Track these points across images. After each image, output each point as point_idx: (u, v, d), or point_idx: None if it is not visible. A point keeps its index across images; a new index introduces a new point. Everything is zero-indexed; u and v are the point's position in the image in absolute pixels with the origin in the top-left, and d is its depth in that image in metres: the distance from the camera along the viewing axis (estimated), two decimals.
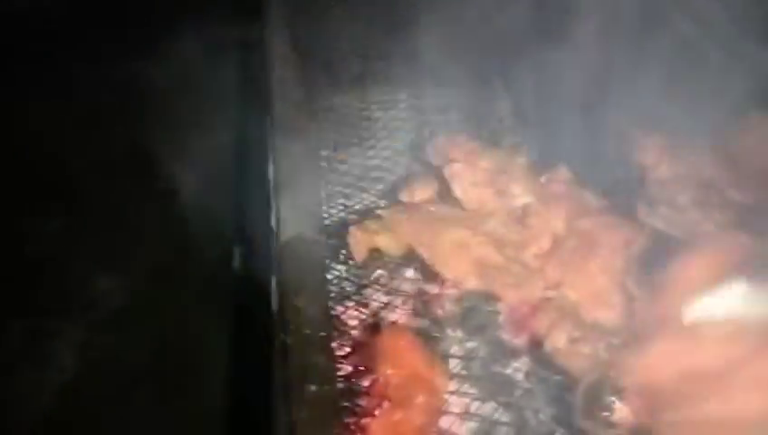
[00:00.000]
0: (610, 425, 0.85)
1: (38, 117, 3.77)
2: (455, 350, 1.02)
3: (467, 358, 1.02)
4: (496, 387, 0.99)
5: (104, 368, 2.82)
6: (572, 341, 0.93)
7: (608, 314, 0.95)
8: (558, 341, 0.93)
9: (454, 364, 1.01)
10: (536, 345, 0.98)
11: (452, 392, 0.95)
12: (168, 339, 2.90)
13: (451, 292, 1.08)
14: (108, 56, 4.05)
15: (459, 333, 1.06)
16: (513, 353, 1.03)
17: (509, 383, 1.00)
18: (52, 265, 3.21)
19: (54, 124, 3.76)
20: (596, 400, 0.85)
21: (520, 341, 1.03)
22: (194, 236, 3.28)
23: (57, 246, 3.28)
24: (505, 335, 1.04)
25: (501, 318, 1.06)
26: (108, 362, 2.84)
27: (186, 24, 4.16)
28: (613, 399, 0.85)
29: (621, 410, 0.84)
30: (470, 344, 1.04)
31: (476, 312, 1.07)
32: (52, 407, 2.70)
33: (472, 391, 0.97)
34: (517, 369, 1.00)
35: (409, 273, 1.09)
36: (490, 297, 1.07)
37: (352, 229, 1.04)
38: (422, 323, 1.07)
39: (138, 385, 2.73)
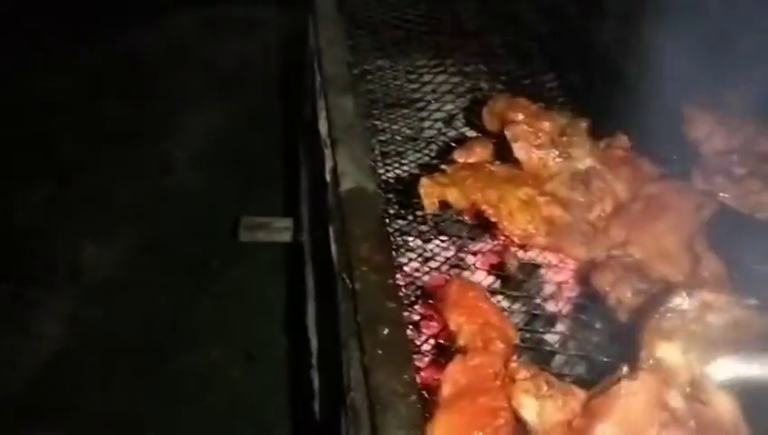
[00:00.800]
0: None
1: (32, 89, 3.70)
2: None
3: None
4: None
5: (87, 338, 2.78)
6: (636, 293, 0.92)
7: (674, 271, 0.95)
8: (623, 293, 0.93)
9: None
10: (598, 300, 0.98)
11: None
12: (153, 311, 2.86)
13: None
14: (105, 30, 3.99)
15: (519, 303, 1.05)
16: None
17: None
18: (38, 235, 3.15)
19: (46, 96, 3.69)
20: None
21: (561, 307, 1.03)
22: (185, 211, 3.24)
23: (44, 217, 3.22)
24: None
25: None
26: (91, 332, 2.80)
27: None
28: None
29: None
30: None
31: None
32: (33, 374, 2.64)
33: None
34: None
35: (470, 229, 1.08)
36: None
37: (423, 180, 1.03)
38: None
39: (121, 355, 2.69)
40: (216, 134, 3.65)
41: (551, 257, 1.07)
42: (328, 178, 1.12)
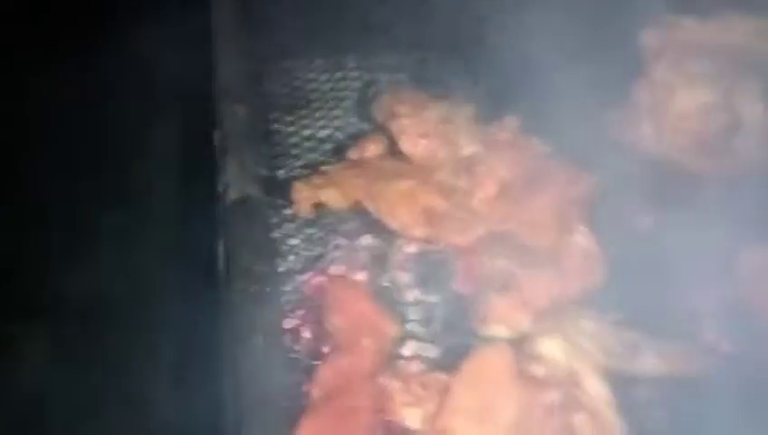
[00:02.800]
0: None
1: None
2: (411, 308, 1.02)
3: (425, 318, 1.02)
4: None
5: (71, 371, 2.79)
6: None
7: (543, 241, 0.96)
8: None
9: (411, 326, 1.00)
10: None
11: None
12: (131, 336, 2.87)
13: (406, 249, 1.07)
14: (64, 54, 3.99)
15: (416, 292, 1.05)
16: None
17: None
18: (7, 268, 3.16)
19: (11, 123, 3.70)
20: None
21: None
22: (159, 234, 3.25)
23: (15, 248, 3.24)
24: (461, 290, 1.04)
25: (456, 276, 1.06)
26: (74, 363, 2.81)
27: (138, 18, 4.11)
28: None
29: None
30: (426, 305, 1.04)
31: (432, 272, 1.07)
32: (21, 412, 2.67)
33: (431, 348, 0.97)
34: None
35: (357, 227, 1.09)
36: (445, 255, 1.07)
37: (296, 184, 1.03)
38: (374, 280, 1.07)
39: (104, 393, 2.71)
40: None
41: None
42: (219, 189, 1.12)
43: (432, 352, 0.94)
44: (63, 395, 2.71)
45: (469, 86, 1.32)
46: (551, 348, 0.85)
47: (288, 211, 1.13)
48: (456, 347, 0.94)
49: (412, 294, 1.05)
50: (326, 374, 0.86)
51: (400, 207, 1.03)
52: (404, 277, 1.06)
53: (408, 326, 0.99)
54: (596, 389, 0.83)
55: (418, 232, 1.02)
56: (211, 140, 1.22)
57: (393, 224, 1.03)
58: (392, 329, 0.93)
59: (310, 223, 1.11)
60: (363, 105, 1.28)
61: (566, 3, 1.23)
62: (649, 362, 0.88)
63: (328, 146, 1.24)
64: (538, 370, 0.82)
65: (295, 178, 1.13)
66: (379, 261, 1.07)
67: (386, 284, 1.06)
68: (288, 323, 0.97)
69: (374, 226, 1.08)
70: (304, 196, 1.03)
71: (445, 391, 0.79)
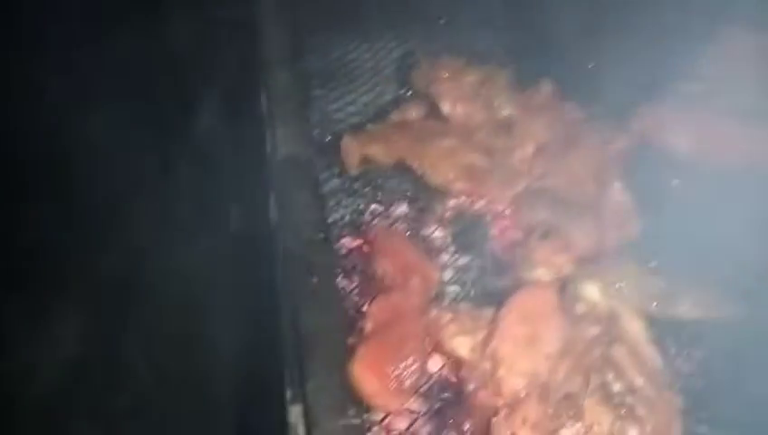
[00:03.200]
0: None
1: (32, 103, 3.78)
2: (449, 262, 1.06)
3: (462, 271, 1.06)
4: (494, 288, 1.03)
5: (103, 352, 2.85)
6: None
7: (581, 196, 1.01)
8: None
9: (449, 277, 1.05)
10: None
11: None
12: (166, 321, 2.93)
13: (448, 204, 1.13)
14: (105, 38, 4.05)
15: (453, 249, 1.10)
16: (503, 269, 1.07)
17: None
18: (48, 249, 3.23)
19: (46, 110, 3.77)
20: None
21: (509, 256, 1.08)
22: (189, 220, 3.31)
23: (53, 232, 3.30)
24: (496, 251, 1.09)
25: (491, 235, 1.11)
26: (106, 346, 2.87)
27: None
28: None
29: None
30: (463, 260, 1.09)
31: (469, 230, 1.12)
32: (49, 390, 2.73)
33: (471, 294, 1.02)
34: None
35: (401, 183, 1.14)
36: (481, 218, 1.12)
37: (345, 137, 1.09)
38: (417, 232, 1.12)
39: (134, 370, 2.77)
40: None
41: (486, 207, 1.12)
42: (268, 148, 1.18)
43: (468, 301, 0.99)
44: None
45: (501, 55, 1.37)
46: (591, 291, 0.90)
47: (334, 169, 1.18)
48: (494, 292, 0.99)
49: (449, 251, 1.09)
50: (378, 309, 0.91)
51: (443, 163, 1.08)
52: (442, 234, 1.11)
53: (447, 276, 1.03)
54: (634, 328, 0.87)
55: (460, 186, 1.07)
56: (259, 105, 1.27)
57: (436, 179, 1.08)
58: (436, 274, 0.98)
59: (355, 179, 1.16)
60: (402, 73, 1.33)
61: None
62: (685, 307, 0.92)
63: (370, 110, 1.29)
64: (580, 308, 0.87)
65: (340, 138, 1.17)
66: (419, 217, 1.12)
67: (425, 239, 1.10)
68: (340, 267, 1.01)
69: (417, 182, 1.13)
70: (353, 149, 1.08)
71: (492, 322, 0.84)
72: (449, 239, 1.11)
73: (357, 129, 1.22)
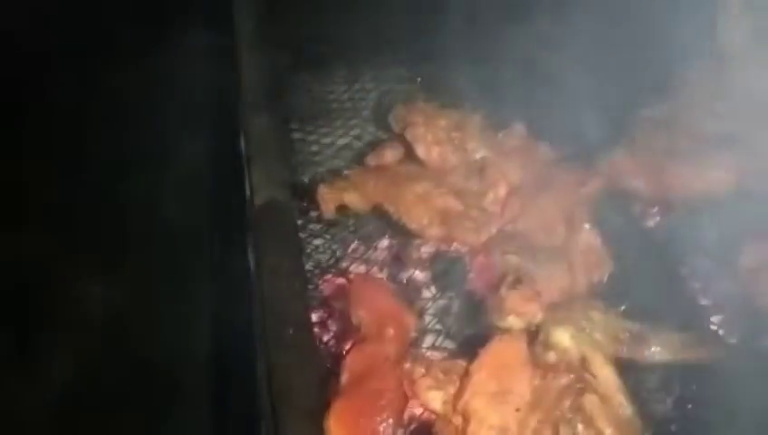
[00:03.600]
0: None
1: (19, 134, 3.80)
2: (428, 305, 1.08)
3: (441, 313, 1.08)
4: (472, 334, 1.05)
5: (94, 379, 2.86)
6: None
7: (551, 239, 1.03)
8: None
9: (428, 320, 1.07)
10: None
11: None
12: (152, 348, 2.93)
13: (423, 250, 1.14)
14: (89, 67, 4.08)
15: (432, 290, 1.12)
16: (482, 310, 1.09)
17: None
18: (36, 278, 3.23)
19: (34, 138, 3.79)
20: None
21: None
22: (177, 240, 3.32)
23: (41, 259, 3.31)
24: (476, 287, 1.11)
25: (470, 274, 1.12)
26: (96, 372, 2.88)
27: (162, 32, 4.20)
28: None
29: None
30: (442, 301, 1.10)
31: (448, 270, 1.14)
32: (43, 420, 2.73)
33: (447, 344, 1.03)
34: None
35: (377, 229, 1.16)
36: (459, 258, 1.14)
37: (321, 187, 1.10)
38: (394, 278, 1.13)
39: (127, 399, 2.77)
40: (199, 164, 3.71)
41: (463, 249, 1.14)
42: (247, 193, 1.19)
43: (449, 343, 1.01)
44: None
45: (477, 96, 1.38)
46: (562, 337, 0.91)
47: (312, 214, 1.19)
48: (471, 339, 1.01)
49: (429, 291, 1.11)
50: (353, 361, 0.92)
51: (417, 208, 1.10)
52: (421, 276, 1.13)
53: (427, 320, 1.05)
54: (605, 374, 0.89)
55: (435, 232, 1.09)
56: (238, 148, 1.29)
57: (411, 224, 1.10)
58: (412, 321, 1.00)
59: (333, 224, 1.17)
60: (379, 115, 1.35)
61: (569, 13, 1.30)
62: (655, 351, 0.94)
63: (347, 153, 1.32)
64: (551, 356, 0.88)
65: (318, 182, 1.19)
66: (397, 260, 1.14)
67: (404, 281, 1.12)
68: (316, 317, 1.02)
69: (393, 227, 1.15)
70: (328, 198, 1.10)
71: (465, 375, 0.85)
72: (429, 280, 1.13)
73: (334, 172, 1.24)
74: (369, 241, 1.16)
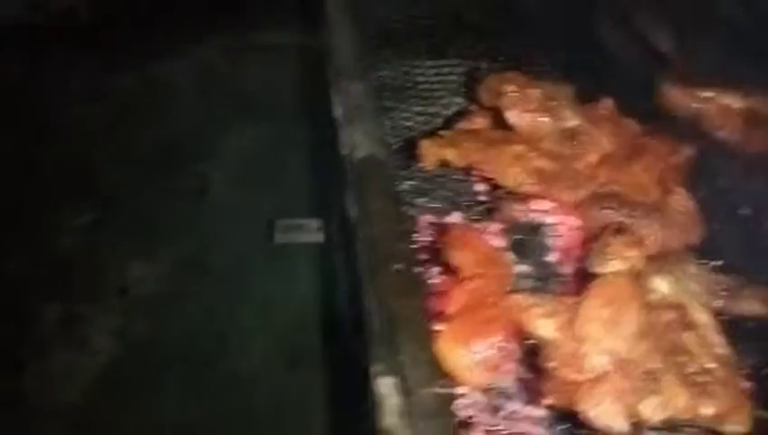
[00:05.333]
0: None
1: (70, 116, 3.92)
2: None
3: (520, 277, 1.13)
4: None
5: (136, 350, 2.94)
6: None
7: (645, 200, 1.08)
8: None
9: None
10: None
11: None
12: (197, 322, 3.02)
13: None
14: (136, 58, 4.21)
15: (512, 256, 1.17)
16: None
17: None
18: (84, 255, 3.33)
19: (85, 123, 3.91)
20: None
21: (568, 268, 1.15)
22: (223, 227, 3.41)
23: (89, 239, 3.41)
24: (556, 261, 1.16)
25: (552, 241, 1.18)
26: (140, 344, 2.96)
27: (212, 28, 4.34)
28: None
29: None
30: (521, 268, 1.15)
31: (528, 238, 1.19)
32: (87, 386, 2.81)
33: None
34: None
35: (471, 184, 1.21)
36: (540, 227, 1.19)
37: (423, 141, 1.16)
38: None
39: (168, 365, 2.84)
40: (248, 154, 3.82)
41: (547, 218, 1.20)
42: (343, 152, 1.26)
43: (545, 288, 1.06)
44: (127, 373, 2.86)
45: (558, 73, 1.45)
46: (661, 284, 0.96)
47: (406, 172, 1.25)
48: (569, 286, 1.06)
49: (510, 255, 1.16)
50: (460, 294, 0.97)
51: (513, 167, 1.15)
52: (503, 239, 1.18)
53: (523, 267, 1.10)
54: (703, 318, 0.93)
55: (530, 188, 1.14)
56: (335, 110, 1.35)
57: (507, 182, 1.15)
58: (510, 264, 1.05)
59: (427, 181, 1.23)
60: (465, 88, 1.42)
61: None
62: (749, 304, 0.98)
63: (437, 120, 1.37)
64: (653, 296, 0.93)
65: (413, 143, 1.25)
66: (490, 214, 1.19)
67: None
68: (418, 257, 1.08)
69: (483, 185, 1.21)
70: (430, 152, 1.15)
71: (577, 304, 0.90)
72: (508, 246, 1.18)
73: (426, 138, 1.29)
74: (459, 199, 1.21)
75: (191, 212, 3.56)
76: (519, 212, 1.17)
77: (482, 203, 1.20)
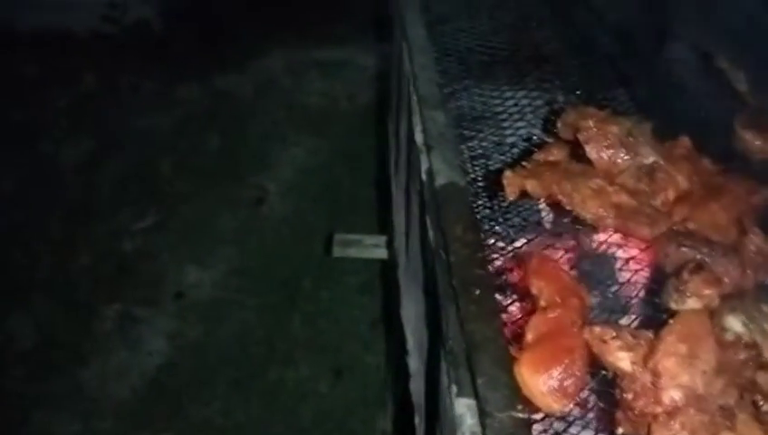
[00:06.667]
0: None
1: (138, 123, 4.06)
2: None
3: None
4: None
5: (189, 353, 3.03)
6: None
7: (722, 239, 1.11)
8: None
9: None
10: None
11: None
12: (249, 329, 3.10)
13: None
14: (200, 73, 4.34)
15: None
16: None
17: None
18: (144, 259, 3.44)
19: (152, 131, 4.04)
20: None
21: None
22: (279, 237, 3.50)
23: (149, 243, 3.53)
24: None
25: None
26: (193, 347, 3.04)
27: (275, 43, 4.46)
28: None
29: None
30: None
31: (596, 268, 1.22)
32: (141, 385, 2.90)
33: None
34: None
35: (548, 217, 1.25)
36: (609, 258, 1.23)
37: (506, 171, 1.21)
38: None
39: (219, 369, 2.92)
40: (304, 167, 3.91)
41: (621, 252, 1.23)
42: (423, 177, 1.31)
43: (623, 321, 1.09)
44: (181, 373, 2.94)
45: (634, 111, 1.48)
46: (735, 323, 0.99)
47: (484, 200, 1.30)
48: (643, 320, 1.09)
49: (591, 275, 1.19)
50: (540, 322, 1.01)
51: (593, 200, 1.19)
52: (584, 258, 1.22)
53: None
54: None
55: (609, 222, 1.17)
56: (413, 142, 1.41)
57: (586, 215, 1.18)
58: (588, 296, 1.08)
59: (505, 211, 1.27)
60: (546, 120, 1.46)
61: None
62: None
63: (514, 151, 1.41)
64: (729, 335, 0.96)
65: (493, 172, 1.30)
66: (564, 244, 1.23)
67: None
68: (499, 282, 1.12)
69: (565, 215, 1.24)
70: (512, 182, 1.20)
71: (656, 339, 0.93)
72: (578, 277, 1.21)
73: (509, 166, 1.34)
74: (538, 229, 1.25)
75: (248, 221, 3.67)
76: (592, 244, 1.20)
77: (557, 234, 1.23)
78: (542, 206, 1.27)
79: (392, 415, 2.59)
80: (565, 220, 1.23)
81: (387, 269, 2.58)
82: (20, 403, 2.81)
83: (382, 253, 2.38)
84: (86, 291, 3.23)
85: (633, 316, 1.10)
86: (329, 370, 3.01)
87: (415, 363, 1.50)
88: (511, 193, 1.20)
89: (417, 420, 1.41)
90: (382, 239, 2.38)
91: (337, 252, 2.40)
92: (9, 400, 2.82)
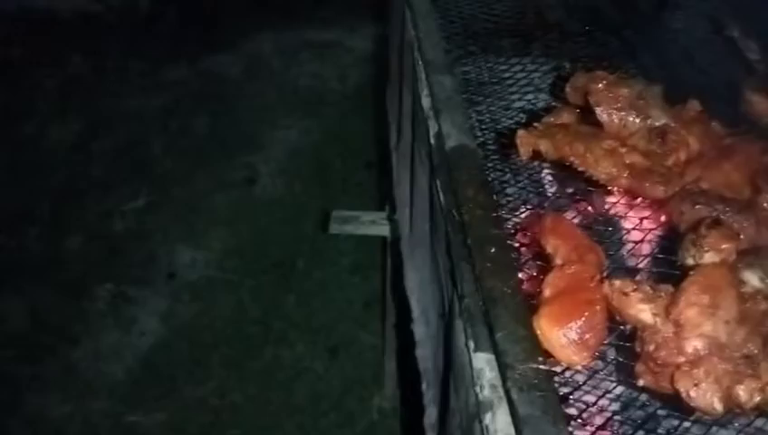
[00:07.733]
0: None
1: (127, 104, 4.01)
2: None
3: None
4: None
5: (182, 332, 3.01)
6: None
7: (736, 199, 1.11)
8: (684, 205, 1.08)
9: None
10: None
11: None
12: (243, 308, 3.08)
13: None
14: (191, 51, 4.30)
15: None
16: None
17: None
18: (136, 239, 3.41)
19: (141, 111, 4.00)
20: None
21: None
22: (271, 217, 3.48)
23: (141, 223, 3.50)
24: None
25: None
26: (186, 327, 3.03)
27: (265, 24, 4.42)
28: None
29: None
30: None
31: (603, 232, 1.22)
32: (134, 365, 2.88)
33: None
34: None
35: (562, 176, 1.25)
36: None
37: (520, 131, 1.20)
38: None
39: (213, 348, 2.91)
40: (295, 147, 3.89)
41: (633, 212, 1.23)
42: (432, 141, 1.30)
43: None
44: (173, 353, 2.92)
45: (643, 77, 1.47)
46: (752, 278, 0.99)
47: (496, 162, 1.29)
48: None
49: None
50: (557, 278, 1.01)
51: (605, 160, 1.18)
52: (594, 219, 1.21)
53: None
54: None
55: (622, 182, 1.17)
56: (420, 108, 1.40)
57: (599, 175, 1.18)
58: (602, 254, 1.08)
59: (516, 172, 1.27)
60: (554, 84, 1.45)
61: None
62: None
63: (523, 115, 1.41)
64: (747, 288, 0.96)
65: (505, 135, 1.29)
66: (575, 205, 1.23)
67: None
68: (513, 242, 1.12)
69: (572, 178, 1.24)
70: (526, 142, 1.19)
71: (678, 290, 0.93)
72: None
73: (511, 131, 1.33)
74: (550, 186, 1.25)
75: (240, 202, 3.65)
76: (604, 205, 1.20)
77: (570, 195, 1.23)
78: (555, 167, 1.26)
79: (393, 386, 2.58)
80: (574, 184, 1.22)
81: (384, 246, 2.57)
82: (13, 385, 2.78)
83: (379, 229, 2.37)
84: (78, 272, 3.20)
85: (648, 273, 1.09)
86: (324, 349, 3.00)
87: (421, 330, 1.49)
88: (524, 153, 1.20)
89: (423, 386, 1.41)
90: (379, 216, 2.37)
91: (334, 229, 2.39)
92: (1, 381, 2.79)
